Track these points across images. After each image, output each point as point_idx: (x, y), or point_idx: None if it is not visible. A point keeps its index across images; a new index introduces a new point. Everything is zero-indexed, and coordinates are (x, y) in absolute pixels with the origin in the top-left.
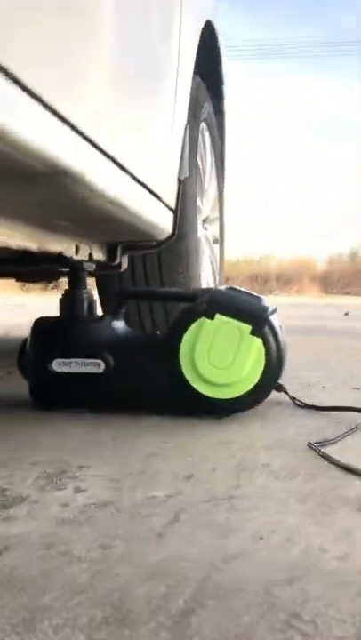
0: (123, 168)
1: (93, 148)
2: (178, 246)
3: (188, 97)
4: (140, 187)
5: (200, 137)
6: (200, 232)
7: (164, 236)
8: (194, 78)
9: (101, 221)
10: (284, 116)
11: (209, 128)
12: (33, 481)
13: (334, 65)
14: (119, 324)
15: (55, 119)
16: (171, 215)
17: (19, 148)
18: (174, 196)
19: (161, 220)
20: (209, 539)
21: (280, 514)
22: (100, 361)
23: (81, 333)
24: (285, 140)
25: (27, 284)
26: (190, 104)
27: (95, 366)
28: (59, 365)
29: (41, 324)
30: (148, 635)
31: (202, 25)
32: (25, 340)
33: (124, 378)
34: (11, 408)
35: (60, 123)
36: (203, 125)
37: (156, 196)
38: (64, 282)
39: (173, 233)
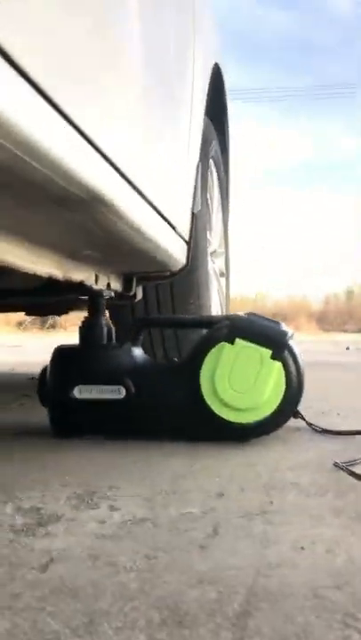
0: (145, 198)
1: (123, 180)
2: (190, 277)
3: (201, 134)
4: (159, 217)
5: (209, 173)
6: (210, 265)
7: (178, 267)
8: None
9: (123, 248)
10: (281, 159)
11: (216, 165)
12: (65, 501)
13: (329, 110)
14: (138, 351)
15: (96, 153)
16: (185, 246)
17: (66, 176)
18: (188, 227)
19: (176, 251)
20: (250, 549)
21: (316, 527)
22: (121, 387)
23: (102, 360)
24: (280, 183)
25: (25, 323)
26: (201, 141)
27: (116, 392)
28: (80, 392)
29: (62, 352)
30: (210, 635)
31: (211, 65)
32: (44, 369)
33: (146, 403)
34: (25, 436)
35: (101, 158)
36: (211, 162)
37: (172, 226)
38: (59, 321)
39: (187, 264)
